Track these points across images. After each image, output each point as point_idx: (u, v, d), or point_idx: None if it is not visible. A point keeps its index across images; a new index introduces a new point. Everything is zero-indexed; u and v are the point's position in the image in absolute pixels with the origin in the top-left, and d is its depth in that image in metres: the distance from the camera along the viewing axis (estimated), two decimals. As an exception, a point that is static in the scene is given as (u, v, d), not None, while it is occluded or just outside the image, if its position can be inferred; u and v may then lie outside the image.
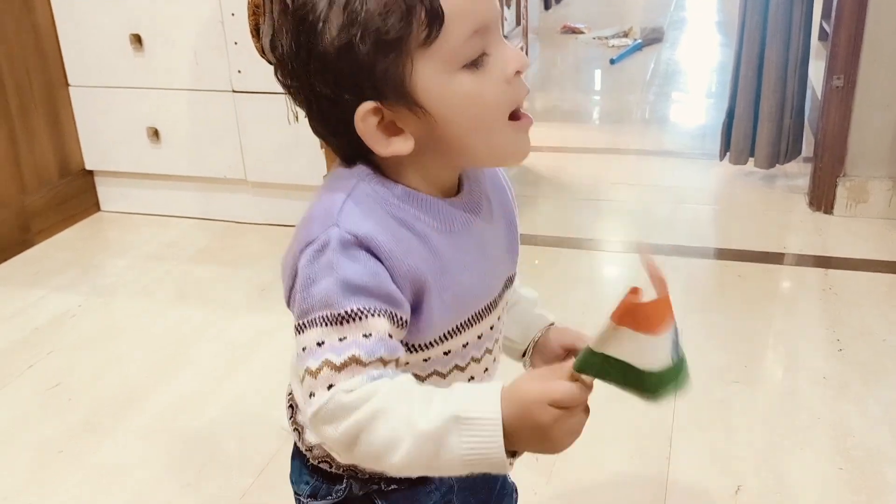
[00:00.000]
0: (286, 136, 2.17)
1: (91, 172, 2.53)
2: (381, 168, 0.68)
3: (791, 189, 2.49)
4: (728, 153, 2.54)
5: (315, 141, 2.18)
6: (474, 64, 0.64)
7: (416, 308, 0.67)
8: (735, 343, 1.74)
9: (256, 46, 1.66)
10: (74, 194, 2.48)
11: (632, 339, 0.58)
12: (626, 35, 4.58)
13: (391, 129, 0.65)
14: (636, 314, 0.57)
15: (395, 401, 0.61)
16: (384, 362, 0.63)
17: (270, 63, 1.73)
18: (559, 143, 3.08)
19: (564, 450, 0.62)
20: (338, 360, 0.62)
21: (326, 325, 0.63)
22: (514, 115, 0.67)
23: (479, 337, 0.74)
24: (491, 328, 0.75)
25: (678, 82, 3.91)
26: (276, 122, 2.21)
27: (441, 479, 0.80)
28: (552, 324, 0.84)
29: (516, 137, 0.68)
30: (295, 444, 0.83)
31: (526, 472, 1.41)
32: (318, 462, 0.79)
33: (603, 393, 1.70)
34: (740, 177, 2.58)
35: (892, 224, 2.24)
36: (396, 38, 0.60)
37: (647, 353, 0.59)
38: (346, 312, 0.62)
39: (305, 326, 0.64)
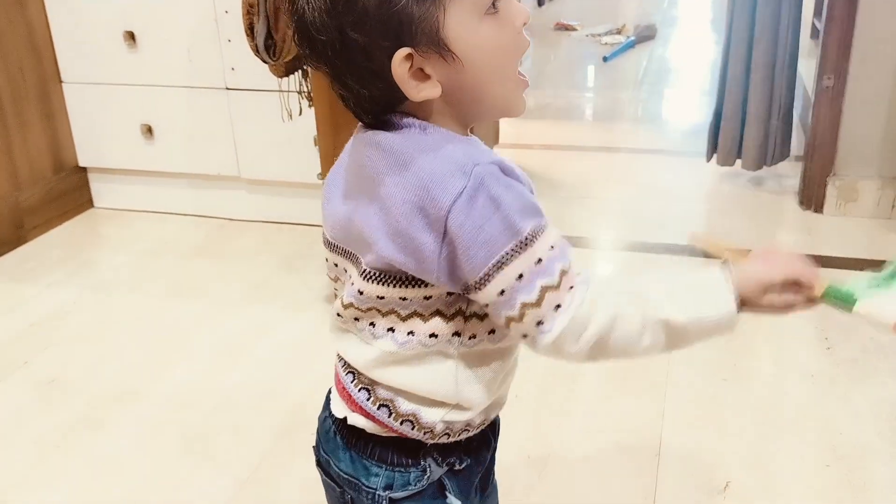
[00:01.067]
0: (280, 133, 2.18)
1: (84, 169, 2.53)
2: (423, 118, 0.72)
3: (782, 189, 2.51)
4: (715, 154, 2.55)
5: (309, 138, 2.19)
6: (493, 9, 0.69)
7: None
8: (724, 342, 1.76)
9: (251, 45, 1.67)
10: (68, 191, 2.48)
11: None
12: (619, 32, 4.60)
13: (419, 76, 0.68)
14: None
15: (628, 302, 0.69)
16: (572, 263, 0.68)
17: (264, 62, 1.75)
18: (551, 141, 3.10)
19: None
20: (553, 280, 0.66)
21: (516, 255, 0.65)
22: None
23: None
24: None
25: (671, 80, 3.93)
26: (269, 120, 2.21)
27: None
28: None
29: (519, 89, 0.73)
30: (348, 432, 0.79)
31: (518, 468, 1.42)
32: (438, 438, 0.78)
33: (593, 391, 1.71)
34: (731, 176, 2.60)
35: (882, 223, 2.27)
36: None
37: None
38: (529, 234, 0.66)
39: (492, 272, 0.66)
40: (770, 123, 2.43)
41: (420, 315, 0.72)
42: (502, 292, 0.66)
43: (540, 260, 0.66)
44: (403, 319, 0.73)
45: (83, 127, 2.47)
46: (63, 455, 1.50)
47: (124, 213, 2.53)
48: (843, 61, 2.22)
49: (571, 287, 0.67)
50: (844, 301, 0.73)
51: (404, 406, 0.76)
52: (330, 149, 1.80)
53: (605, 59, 4.18)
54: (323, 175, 2.02)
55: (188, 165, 2.41)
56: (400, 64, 0.67)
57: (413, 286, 0.70)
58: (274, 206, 2.39)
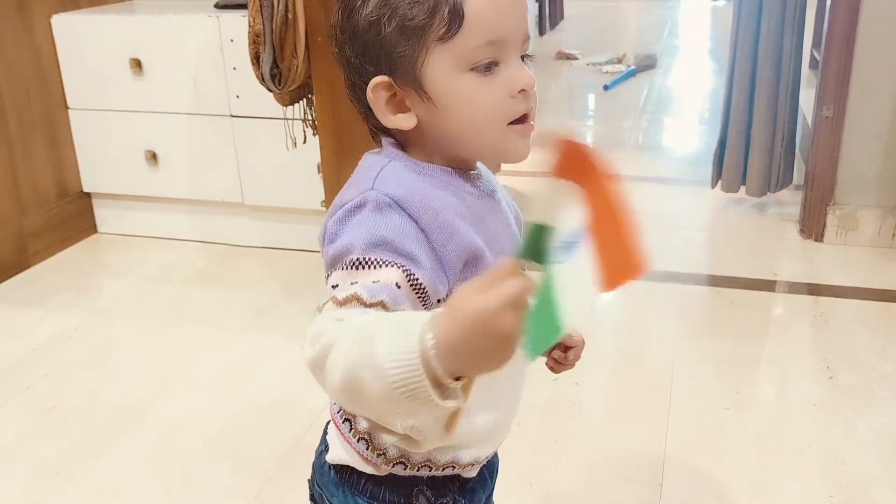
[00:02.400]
0: (284, 160, 2.20)
1: (89, 194, 2.54)
2: (405, 146, 0.74)
3: (782, 216, 2.52)
4: (720, 181, 2.57)
5: (312, 165, 2.21)
6: (483, 70, 0.69)
7: (469, 261, 0.70)
8: (727, 369, 1.76)
9: (256, 74, 1.69)
10: (72, 216, 2.50)
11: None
12: (619, 61, 4.64)
13: (400, 106, 0.71)
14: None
15: (359, 326, 0.58)
16: (386, 308, 0.62)
17: (270, 90, 1.77)
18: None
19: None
20: (341, 296, 0.64)
21: (343, 269, 0.66)
22: (519, 120, 0.72)
23: None
24: None
25: (671, 109, 3.96)
26: (273, 147, 2.23)
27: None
28: None
29: (511, 140, 0.72)
30: (340, 477, 0.81)
31: (519, 497, 1.42)
32: (393, 465, 0.77)
33: (598, 419, 1.71)
34: (732, 204, 2.61)
35: (882, 252, 2.27)
36: (418, 27, 0.67)
37: None
38: (363, 260, 0.66)
39: (328, 276, 0.68)
40: (773, 151, 2.45)
41: None
42: (333, 287, 0.66)
43: (355, 282, 0.64)
44: None
45: (88, 153, 2.49)
46: (63, 482, 1.50)
47: (128, 238, 2.54)
48: (842, 92, 2.24)
49: (340, 320, 0.60)
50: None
51: (362, 423, 0.78)
52: (334, 176, 1.81)
53: (605, 87, 4.21)
54: (326, 203, 2.03)
55: (192, 192, 2.42)
56: (373, 89, 0.71)
57: None
58: (277, 232, 2.40)
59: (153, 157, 2.41)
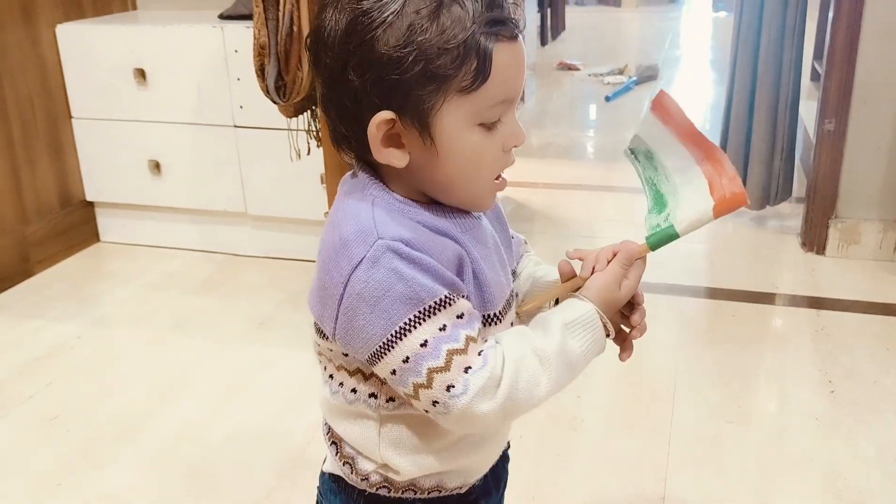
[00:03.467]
0: (287, 170, 2.20)
1: (91, 203, 2.55)
2: (384, 176, 0.73)
3: (783, 229, 2.53)
4: (720, 193, 2.57)
5: (315, 176, 2.21)
6: (489, 126, 0.69)
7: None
8: (728, 382, 1.77)
9: (261, 86, 1.70)
10: (75, 225, 2.50)
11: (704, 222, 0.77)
12: (621, 72, 4.65)
13: (394, 141, 0.69)
14: (733, 208, 0.76)
15: (521, 347, 0.70)
16: (481, 332, 0.70)
17: (274, 102, 1.77)
18: (554, 180, 3.12)
19: None
20: (459, 345, 0.67)
21: (420, 322, 0.66)
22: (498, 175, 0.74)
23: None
24: (512, 324, 0.79)
25: (672, 120, 3.96)
26: (276, 157, 2.24)
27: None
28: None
29: (490, 194, 0.74)
30: (337, 486, 0.82)
31: (522, 510, 1.42)
32: (377, 489, 0.78)
33: (600, 432, 1.71)
34: (733, 216, 2.61)
35: (884, 266, 2.28)
36: (442, 76, 0.66)
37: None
38: (436, 302, 0.66)
39: (395, 339, 0.66)
40: (773, 164, 2.45)
41: (345, 368, 0.74)
42: (406, 359, 0.66)
43: (444, 327, 0.66)
44: (337, 369, 0.76)
45: (91, 162, 2.49)
46: (64, 492, 1.50)
47: (130, 247, 2.54)
48: (844, 105, 2.24)
49: (481, 352, 0.68)
50: (668, 237, 0.77)
51: (346, 448, 0.78)
52: (337, 188, 1.81)
53: (607, 98, 4.22)
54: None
55: (195, 201, 2.43)
56: (378, 125, 0.67)
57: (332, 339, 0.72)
58: (279, 242, 2.40)
59: (156, 166, 2.41)
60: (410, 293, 0.66)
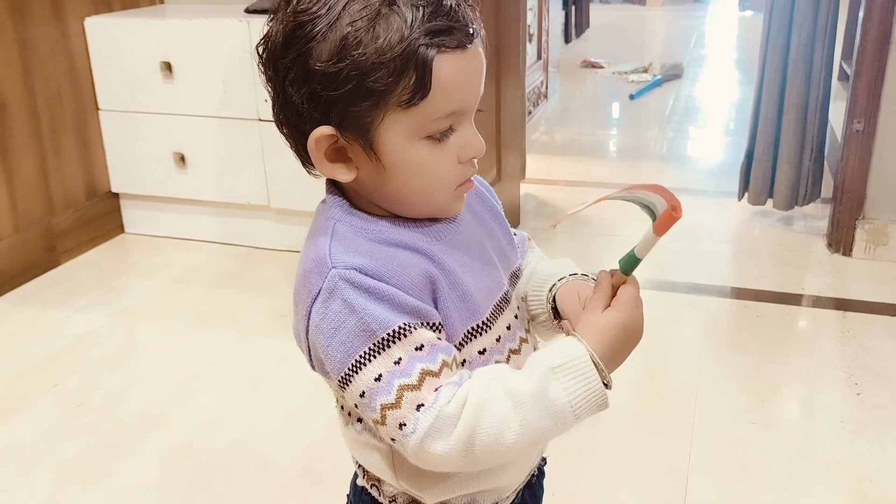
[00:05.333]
0: (311, 164, 2.20)
1: (117, 195, 2.57)
2: (346, 191, 0.70)
3: (810, 230, 2.50)
4: (746, 193, 2.55)
5: (339, 170, 2.21)
6: (438, 139, 0.66)
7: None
8: (753, 383, 1.75)
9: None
10: (100, 216, 2.52)
11: (654, 242, 0.72)
12: (645, 71, 4.62)
13: (341, 155, 0.67)
14: (669, 226, 0.71)
15: (489, 387, 0.63)
16: (448, 365, 0.64)
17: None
18: (577, 178, 3.11)
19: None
20: (412, 380, 0.62)
21: (374, 357, 0.63)
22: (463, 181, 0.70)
23: (498, 340, 0.74)
24: (508, 328, 0.75)
25: (697, 119, 3.94)
26: (301, 151, 2.24)
27: None
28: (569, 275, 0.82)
29: (452, 202, 0.70)
30: (370, 500, 0.80)
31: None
32: None
33: (622, 431, 1.70)
34: (758, 216, 2.59)
35: (911, 268, 2.25)
36: (380, 91, 0.62)
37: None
38: (389, 335, 0.63)
39: (352, 372, 0.64)
40: (802, 164, 2.43)
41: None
42: (363, 394, 0.64)
43: (399, 360, 0.63)
44: (339, 399, 0.75)
45: (117, 154, 2.51)
46: (87, 481, 1.51)
47: (154, 239, 2.56)
48: (873, 105, 2.21)
49: (438, 388, 0.63)
50: (631, 259, 0.74)
51: (371, 472, 0.77)
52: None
53: (631, 96, 4.20)
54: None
55: (219, 194, 2.44)
56: (317, 140, 0.65)
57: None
58: (302, 236, 2.38)
59: (181, 159, 2.43)
60: (363, 326, 0.63)
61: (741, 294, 2.16)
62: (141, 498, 1.47)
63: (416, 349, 0.63)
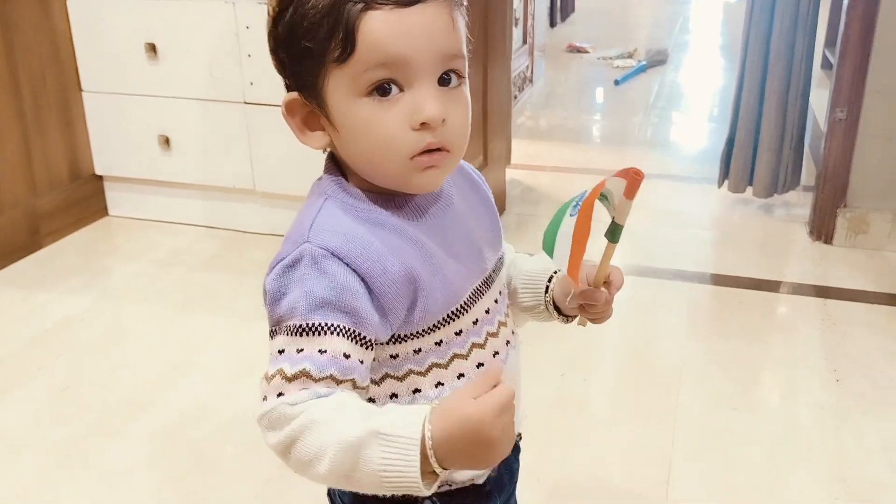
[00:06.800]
0: (296, 147, 2.17)
1: (101, 177, 2.55)
2: (345, 171, 0.73)
3: (790, 218, 2.53)
4: (727, 181, 2.57)
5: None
6: (378, 94, 0.66)
7: (413, 299, 0.70)
8: (735, 370, 1.77)
9: (275, 64, 1.69)
10: (84, 198, 2.50)
11: (628, 205, 0.71)
12: (630, 56, 4.63)
13: (313, 124, 0.71)
14: (637, 187, 0.69)
15: (330, 414, 0.63)
16: (336, 381, 0.65)
17: (288, 79, 1.77)
18: (561, 163, 3.12)
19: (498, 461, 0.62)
20: (290, 371, 0.65)
21: (289, 334, 0.66)
22: (424, 152, 0.68)
23: (475, 322, 0.75)
24: (487, 311, 0.77)
25: (681, 105, 3.95)
26: (286, 134, 2.21)
27: None
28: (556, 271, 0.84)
29: (412, 175, 0.69)
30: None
31: (526, 493, 1.43)
32: None
33: (606, 416, 1.72)
34: (741, 203, 2.62)
35: (892, 255, 2.28)
36: (318, 51, 0.66)
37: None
38: (307, 325, 0.65)
39: (272, 334, 0.68)
40: (782, 152, 2.45)
41: None
42: (270, 356, 0.67)
43: (301, 350, 0.65)
44: None
45: (101, 135, 2.49)
46: (76, 464, 1.51)
47: (138, 222, 2.55)
48: (856, 94, 2.24)
49: (302, 389, 0.65)
50: (614, 229, 0.74)
51: None
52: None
53: (616, 82, 4.20)
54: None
55: (204, 177, 2.43)
56: (287, 105, 0.71)
57: None
58: (287, 219, 2.36)
59: (166, 141, 2.41)
60: (297, 306, 0.66)
61: (723, 281, 2.18)
62: (129, 482, 1.47)
63: (320, 351, 0.65)
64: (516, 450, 0.87)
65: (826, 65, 3.50)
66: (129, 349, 1.89)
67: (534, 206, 2.66)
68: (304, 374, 0.65)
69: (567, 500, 1.43)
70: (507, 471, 0.84)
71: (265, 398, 0.66)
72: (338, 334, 0.65)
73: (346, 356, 0.65)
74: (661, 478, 1.46)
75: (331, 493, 0.85)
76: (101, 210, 2.57)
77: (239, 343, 1.90)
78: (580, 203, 0.72)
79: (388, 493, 0.62)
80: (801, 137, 2.47)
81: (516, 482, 0.87)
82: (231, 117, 2.32)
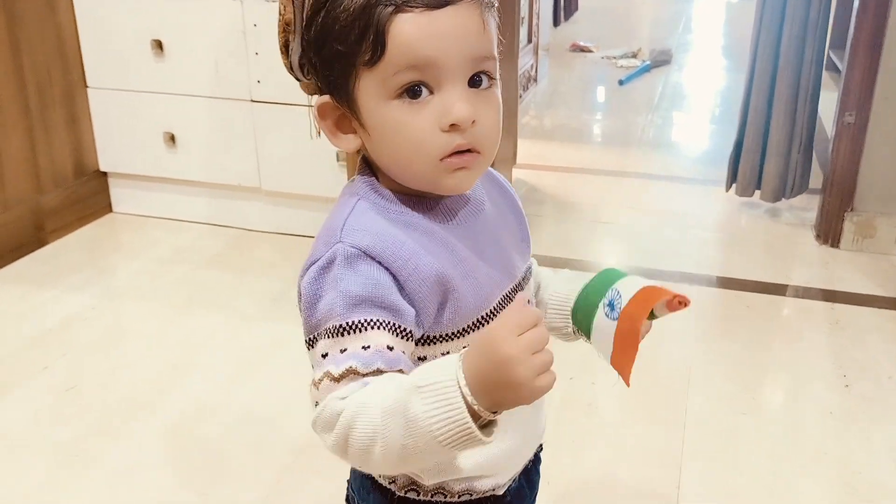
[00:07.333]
0: (303, 146, 2.19)
1: (105, 174, 2.54)
2: (377, 174, 0.73)
3: (797, 221, 2.52)
4: (734, 184, 2.57)
5: (331, 153, 2.20)
6: (408, 96, 0.67)
7: (443, 301, 0.69)
8: (742, 373, 1.77)
9: (285, 63, 1.67)
10: (88, 195, 2.49)
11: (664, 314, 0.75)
12: (634, 56, 4.62)
13: (345, 126, 0.71)
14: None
15: (375, 394, 0.62)
16: (383, 373, 0.65)
17: (297, 80, 1.76)
18: (565, 163, 3.11)
19: (536, 395, 0.59)
20: (336, 372, 0.64)
21: (330, 337, 0.65)
22: (454, 153, 0.68)
23: None
24: None
25: (685, 106, 3.95)
26: (293, 133, 2.23)
27: None
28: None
29: (443, 176, 0.69)
30: (370, 486, 0.81)
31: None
32: (406, 491, 0.77)
33: (614, 419, 1.72)
34: (746, 206, 2.61)
35: (898, 260, 2.28)
36: (348, 53, 0.66)
37: None
38: (347, 324, 0.65)
39: (314, 341, 0.67)
40: (790, 156, 2.44)
41: None
42: (313, 365, 0.67)
43: (344, 350, 0.65)
44: None
45: (106, 132, 2.48)
46: (80, 464, 1.50)
47: (143, 219, 2.54)
48: (865, 99, 2.23)
49: (351, 383, 0.64)
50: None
51: None
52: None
53: (620, 82, 4.19)
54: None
55: (209, 175, 2.42)
56: (319, 109, 0.71)
57: None
58: (292, 218, 2.40)
59: (171, 138, 2.40)
60: (334, 305, 0.65)
61: (730, 284, 2.18)
62: (136, 481, 1.47)
63: (363, 347, 0.65)
64: (536, 461, 0.86)
65: (830, 66, 3.50)
66: (132, 348, 1.88)
67: (539, 206, 2.65)
68: (352, 372, 0.64)
69: (577, 503, 1.42)
70: (528, 481, 0.84)
71: (316, 404, 0.65)
72: (379, 328, 0.65)
73: (390, 348, 0.65)
74: (672, 481, 1.45)
75: (349, 500, 0.85)
76: (106, 207, 2.56)
77: (243, 343, 1.90)
78: (616, 305, 0.73)
79: (450, 450, 0.59)
80: (809, 142, 2.46)
81: (536, 492, 0.87)
82: (237, 115, 2.31)
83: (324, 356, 0.65)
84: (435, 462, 0.66)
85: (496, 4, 0.71)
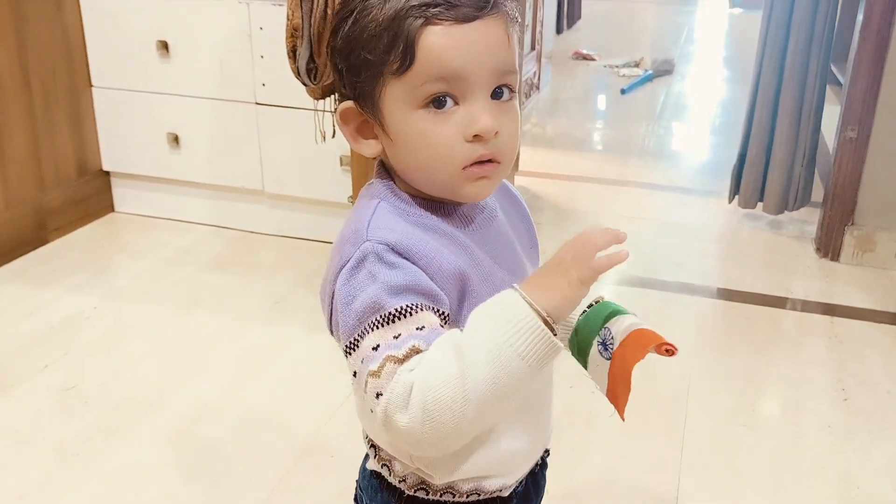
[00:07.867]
0: (306, 150, 2.19)
1: (108, 173, 2.54)
2: (395, 178, 0.74)
3: (798, 234, 2.53)
4: (737, 196, 2.58)
5: (335, 157, 2.21)
6: (434, 106, 0.68)
7: (461, 299, 0.70)
8: (742, 386, 1.77)
9: (292, 68, 1.69)
10: (91, 194, 2.49)
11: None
12: (637, 65, 4.63)
13: (366, 130, 0.72)
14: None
15: (436, 349, 0.64)
16: None
17: (304, 84, 1.77)
18: (567, 171, 3.12)
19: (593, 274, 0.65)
20: (399, 353, 0.64)
21: (378, 327, 0.66)
22: (476, 162, 0.70)
23: None
24: None
25: (687, 116, 3.96)
26: (297, 136, 2.23)
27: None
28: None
29: (464, 184, 0.70)
30: (379, 483, 0.81)
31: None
32: (415, 490, 0.78)
33: (614, 430, 1.72)
34: (747, 218, 2.62)
35: (897, 275, 2.29)
36: (376, 62, 0.68)
37: None
38: (396, 310, 0.65)
39: (357, 340, 0.67)
40: (794, 169, 2.45)
41: None
42: (363, 361, 0.66)
43: (399, 335, 0.65)
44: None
45: (110, 132, 2.48)
46: (82, 463, 1.51)
47: (145, 219, 2.54)
48: (867, 114, 2.24)
49: (412, 370, 0.64)
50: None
51: (383, 451, 0.78)
52: (362, 172, 1.81)
53: (623, 91, 4.21)
54: (353, 198, 2.03)
55: (212, 176, 2.42)
56: (342, 114, 0.72)
57: None
58: (295, 221, 2.40)
59: (175, 139, 2.41)
60: (377, 298, 0.66)
61: (730, 295, 2.18)
62: (137, 481, 1.47)
63: (418, 329, 0.65)
64: (543, 465, 0.87)
65: (831, 80, 3.50)
66: (137, 348, 1.89)
67: (539, 213, 2.66)
68: (415, 351, 0.64)
69: (575, 513, 1.43)
70: (534, 484, 0.84)
71: (380, 394, 0.64)
72: (427, 311, 0.66)
73: (442, 326, 0.67)
74: (671, 492, 1.46)
75: (357, 500, 0.85)
76: (108, 206, 2.56)
77: (245, 345, 1.90)
78: (609, 346, 0.74)
79: (538, 366, 0.63)
80: (813, 155, 2.47)
81: (542, 497, 0.87)
82: (242, 117, 2.32)
83: (375, 348, 0.65)
84: (521, 394, 0.65)
85: (520, 20, 0.72)
